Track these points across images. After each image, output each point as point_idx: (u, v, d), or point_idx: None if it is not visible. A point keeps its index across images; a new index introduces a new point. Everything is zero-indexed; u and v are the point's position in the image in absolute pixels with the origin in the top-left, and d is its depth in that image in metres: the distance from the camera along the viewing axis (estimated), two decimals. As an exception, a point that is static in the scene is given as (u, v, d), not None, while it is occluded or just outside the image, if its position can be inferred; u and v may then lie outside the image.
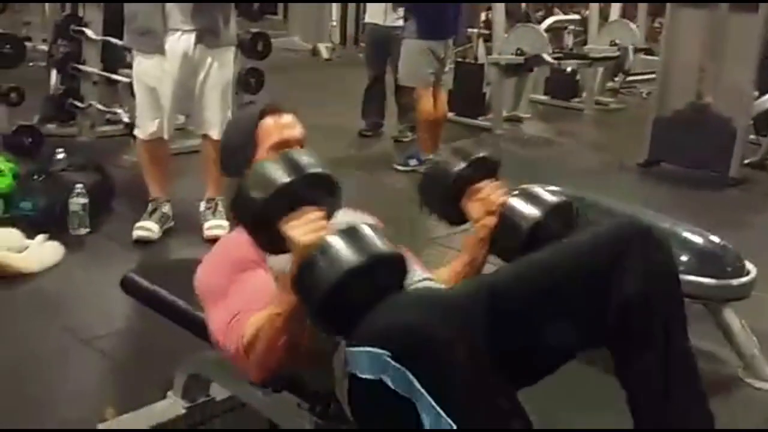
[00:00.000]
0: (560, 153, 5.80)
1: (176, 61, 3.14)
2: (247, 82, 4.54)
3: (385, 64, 5.38)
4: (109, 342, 2.50)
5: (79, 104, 4.68)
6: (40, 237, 3.10)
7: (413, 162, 4.71)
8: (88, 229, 3.31)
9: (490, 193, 1.66)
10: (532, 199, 1.67)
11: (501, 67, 5.87)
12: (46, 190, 3.33)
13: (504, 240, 1.64)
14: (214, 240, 3.21)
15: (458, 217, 1.73)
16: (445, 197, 1.69)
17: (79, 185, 3.30)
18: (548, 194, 1.69)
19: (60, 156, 3.67)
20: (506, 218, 1.64)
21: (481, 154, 1.71)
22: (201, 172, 3.48)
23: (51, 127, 4.74)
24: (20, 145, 3.87)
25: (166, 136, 3.25)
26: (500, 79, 5.94)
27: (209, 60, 3.20)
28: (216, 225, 3.33)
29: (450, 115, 5.45)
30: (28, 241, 3.06)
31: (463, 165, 1.67)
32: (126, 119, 4.37)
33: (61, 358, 2.40)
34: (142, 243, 3.24)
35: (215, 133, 3.25)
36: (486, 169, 1.71)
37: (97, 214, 3.41)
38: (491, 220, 1.64)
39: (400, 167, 4.77)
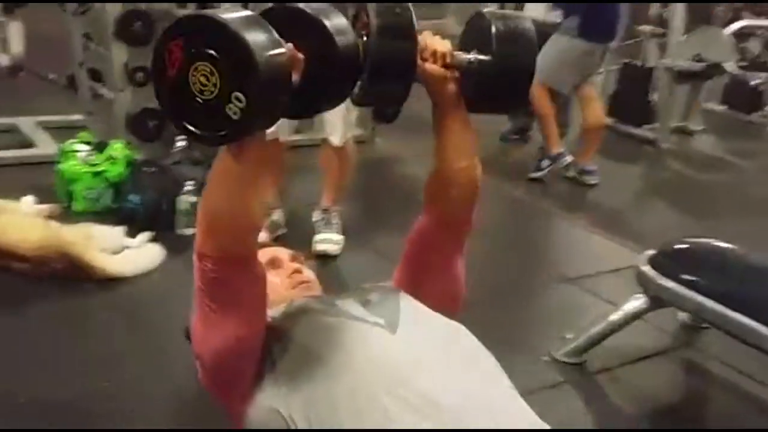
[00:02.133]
0: (736, 178, 5.03)
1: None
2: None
3: (540, 62, 4.84)
4: (190, 377, 2.19)
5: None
6: (142, 237, 2.88)
7: (545, 163, 4.23)
8: (193, 230, 3.05)
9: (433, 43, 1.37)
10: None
11: (674, 72, 5.17)
12: (155, 184, 3.11)
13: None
14: (323, 255, 2.95)
15: None
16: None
17: (190, 182, 3.05)
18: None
19: (179, 143, 3.45)
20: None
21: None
22: (319, 173, 3.16)
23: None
24: (144, 128, 3.69)
25: (282, 138, 2.92)
26: (672, 85, 5.24)
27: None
28: (327, 239, 3.00)
29: (609, 121, 4.89)
30: (129, 241, 2.84)
31: None
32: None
33: (136, 390, 2.13)
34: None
35: (336, 139, 2.92)
36: None
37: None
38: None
39: (532, 175, 4.25)
